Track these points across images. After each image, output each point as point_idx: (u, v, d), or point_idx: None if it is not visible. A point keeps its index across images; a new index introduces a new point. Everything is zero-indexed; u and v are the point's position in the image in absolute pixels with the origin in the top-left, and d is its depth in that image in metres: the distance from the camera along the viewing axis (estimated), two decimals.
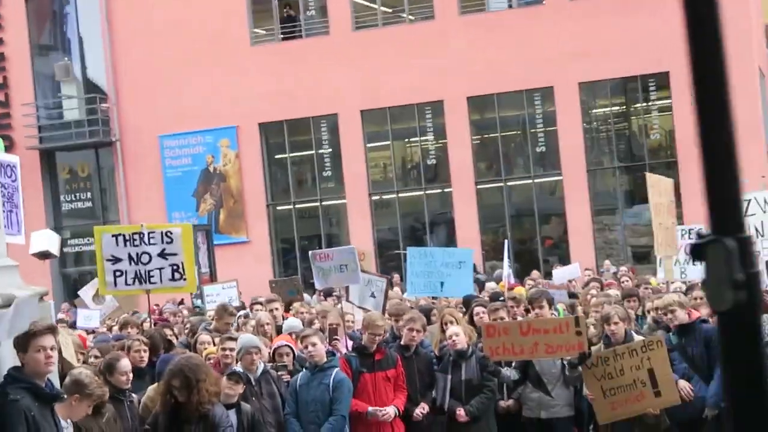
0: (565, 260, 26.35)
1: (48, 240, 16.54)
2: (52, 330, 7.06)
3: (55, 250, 16.87)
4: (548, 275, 24.09)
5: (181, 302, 21.61)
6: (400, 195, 30.19)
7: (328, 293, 19.77)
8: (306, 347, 9.49)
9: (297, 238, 30.66)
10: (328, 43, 30.13)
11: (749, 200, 13.66)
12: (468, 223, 28.54)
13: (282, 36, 31.20)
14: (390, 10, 30.95)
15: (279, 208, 30.93)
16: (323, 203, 30.71)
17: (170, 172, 30.69)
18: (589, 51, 27.65)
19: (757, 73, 28.41)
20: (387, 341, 10.61)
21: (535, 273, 23.27)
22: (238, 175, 30.47)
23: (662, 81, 28.04)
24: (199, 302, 21.80)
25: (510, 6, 30.11)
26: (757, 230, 13.37)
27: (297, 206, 30.84)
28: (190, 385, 7.91)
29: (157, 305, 18.77)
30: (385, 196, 30.35)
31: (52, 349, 6.99)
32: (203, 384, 7.91)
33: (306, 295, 19.35)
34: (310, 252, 12.21)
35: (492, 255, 28.01)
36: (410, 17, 30.44)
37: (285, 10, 31.24)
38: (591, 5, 28.38)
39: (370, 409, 9.73)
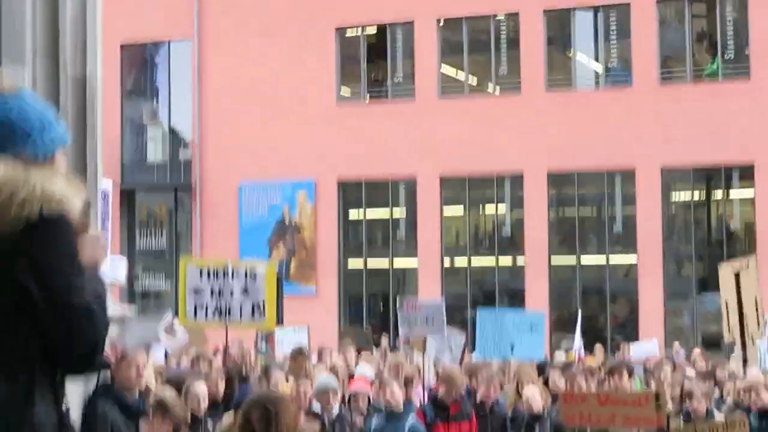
0: (633, 341, 25.99)
1: (116, 265, 16.78)
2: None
3: (122, 276, 17.10)
4: (612, 353, 24.02)
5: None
6: (472, 263, 30.17)
7: (393, 348, 19.82)
8: (384, 393, 9.48)
9: (366, 295, 30.74)
10: (412, 107, 30.37)
11: None
12: (538, 296, 28.34)
13: (369, 97, 31.56)
14: (476, 82, 31.18)
15: (350, 264, 31.04)
16: (394, 263, 30.78)
17: (246, 220, 31.01)
18: (673, 136, 27.56)
19: None
20: (462, 397, 10.54)
21: (598, 346, 23.20)
22: (313, 228, 30.68)
23: (746, 172, 27.81)
24: (263, 346, 21.80)
25: (597, 85, 30.15)
26: None
27: (368, 264, 30.94)
28: (269, 417, 7.80)
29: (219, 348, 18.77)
30: (456, 264, 30.33)
31: (143, 365, 7.14)
32: (283, 417, 7.85)
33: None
34: (400, 299, 12.28)
35: (559, 328, 27.80)
36: (497, 90, 30.62)
37: (373, 75, 31.65)
38: (679, 90, 28.35)
39: None
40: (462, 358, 12.49)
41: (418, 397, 10.91)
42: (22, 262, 2.79)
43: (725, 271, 13.34)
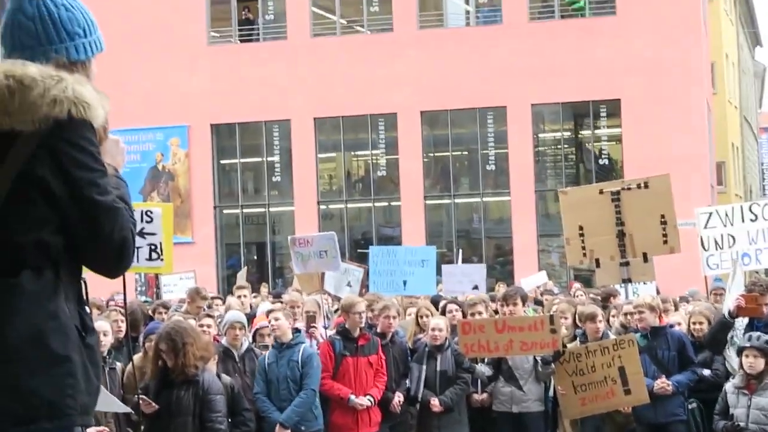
0: (509, 280, 26.46)
1: None
2: None
3: None
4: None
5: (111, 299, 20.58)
6: (348, 206, 30.27)
7: (277, 295, 19.76)
8: (270, 322, 9.52)
9: (243, 242, 30.55)
10: (284, 47, 30.12)
11: (710, 213, 13.94)
12: (414, 239, 28.58)
13: (240, 38, 31.16)
14: (346, 21, 31.08)
15: (226, 211, 30.78)
16: (271, 209, 30.64)
17: None
18: (542, 73, 27.99)
19: (705, 106, 29.05)
20: (367, 329, 10.63)
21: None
22: (187, 174, 30.26)
23: (612, 107, 28.49)
24: (143, 298, 21.50)
25: (468, 23, 30.43)
26: (716, 243, 13.62)
27: (244, 210, 30.72)
28: (176, 348, 7.83)
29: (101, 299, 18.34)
30: (332, 206, 30.41)
31: None
32: (190, 347, 7.83)
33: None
34: (289, 237, 12.20)
35: (438, 270, 28.02)
36: (368, 30, 30.60)
37: (243, 13, 31.20)
38: (548, 27, 28.78)
39: (351, 397, 9.75)
40: (361, 292, 12.59)
41: (319, 331, 10.94)
42: (40, 153, 2.78)
43: (582, 195, 13.13)
